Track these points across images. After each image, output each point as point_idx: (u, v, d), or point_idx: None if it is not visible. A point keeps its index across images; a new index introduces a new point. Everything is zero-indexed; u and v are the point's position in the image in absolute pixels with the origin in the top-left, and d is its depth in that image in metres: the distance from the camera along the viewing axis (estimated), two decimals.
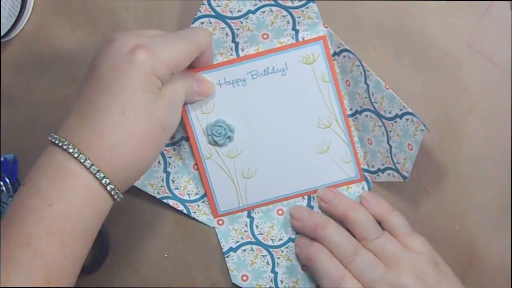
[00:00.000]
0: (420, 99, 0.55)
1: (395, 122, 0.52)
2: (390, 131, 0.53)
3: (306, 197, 0.58)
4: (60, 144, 0.44)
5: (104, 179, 0.45)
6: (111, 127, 0.45)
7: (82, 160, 0.44)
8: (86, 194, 0.44)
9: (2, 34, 0.56)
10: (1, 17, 0.56)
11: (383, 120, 0.53)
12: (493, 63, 0.54)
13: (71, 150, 0.44)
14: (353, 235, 0.54)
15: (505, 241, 0.56)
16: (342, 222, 0.56)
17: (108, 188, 0.45)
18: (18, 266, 0.42)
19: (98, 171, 0.44)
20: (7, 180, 0.57)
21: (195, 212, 0.58)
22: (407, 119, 0.51)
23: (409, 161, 0.52)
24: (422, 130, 0.50)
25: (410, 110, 0.50)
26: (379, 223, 0.55)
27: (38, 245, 0.42)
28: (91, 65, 0.47)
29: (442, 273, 0.52)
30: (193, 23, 0.53)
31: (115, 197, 0.46)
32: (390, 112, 0.52)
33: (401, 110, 0.51)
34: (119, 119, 0.45)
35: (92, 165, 0.44)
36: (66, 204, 0.44)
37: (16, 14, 0.56)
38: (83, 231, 0.45)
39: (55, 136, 0.45)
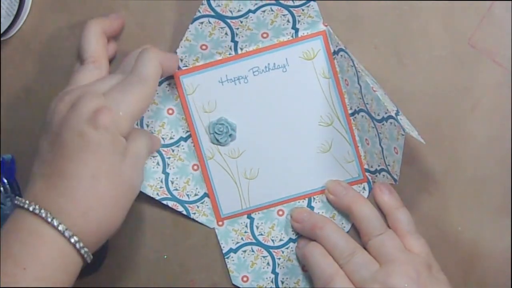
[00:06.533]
0: (421, 98, 0.55)
1: (383, 124, 0.52)
2: (380, 133, 0.53)
3: (306, 198, 0.58)
4: (31, 209, 0.44)
5: (78, 243, 0.45)
6: (83, 192, 0.45)
7: (56, 225, 0.44)
8: (59, 257, 0.44)
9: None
10: None
11: (374, 121, 0.53)
12: (495, 62, 0.54)
13: (43, 215, 0.44)
14: (358, 230, 0.54)
15: (507, 242, 0.56)
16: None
17: (82, 251, 0.45)
18: None
19: (72, 235, 0.44)
20: (5, 181, 0.57)
21: (194, 213, 0.58)
22: (391, 123, 0.51)
23: (397, 165, 0.52)
24: (403, 135, 0.49)
25: (393, 114, 0.50)
26: (384, 217, 0.55)
27: None
28: (53, 132, 0.47)
29: (434, 277, 0.52)
30: (192, 23, 0.53)
31: (87, 259, 0.46)
32: (378, 114, 0.52)
33: (386, 113, 0.51)
34: (90, 184, 0.45)
35: (66, 229, 0.44)
36: (40, 268, 0.43)
37: (14, 13, 0.55)
38: None
39: (23, 201, 0.45)
